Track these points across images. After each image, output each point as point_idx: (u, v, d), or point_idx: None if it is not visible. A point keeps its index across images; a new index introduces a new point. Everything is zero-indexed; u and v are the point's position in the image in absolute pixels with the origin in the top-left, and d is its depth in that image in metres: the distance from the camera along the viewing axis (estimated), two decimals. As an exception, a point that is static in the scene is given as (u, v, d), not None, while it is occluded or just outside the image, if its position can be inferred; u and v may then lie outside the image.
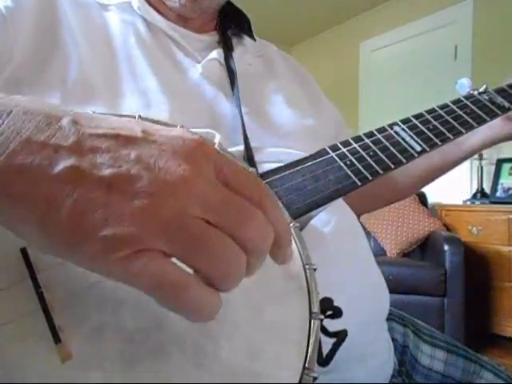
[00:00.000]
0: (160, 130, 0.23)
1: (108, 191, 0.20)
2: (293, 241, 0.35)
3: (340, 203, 0.54)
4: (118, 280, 0.22)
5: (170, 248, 0.21)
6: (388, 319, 0.57)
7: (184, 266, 0.22)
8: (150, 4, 0.58)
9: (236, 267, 0.23)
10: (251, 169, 0.41)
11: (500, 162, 2.53)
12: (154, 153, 0.22)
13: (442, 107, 0.57)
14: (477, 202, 2.53)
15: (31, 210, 0.20)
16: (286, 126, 0.58)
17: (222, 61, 0.59)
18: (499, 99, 0.60)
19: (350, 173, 0.45)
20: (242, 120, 0.53)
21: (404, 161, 0.48)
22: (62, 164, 0.21)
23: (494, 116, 0.58)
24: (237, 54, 0.62)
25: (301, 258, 0.34)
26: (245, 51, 0.64)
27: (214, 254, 0.21)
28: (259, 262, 0.24)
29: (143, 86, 0.50)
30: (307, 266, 0.33)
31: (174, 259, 0.22)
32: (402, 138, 0.50)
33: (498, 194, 2.46)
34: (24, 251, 0.31)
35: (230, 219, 0.22)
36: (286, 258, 0.27)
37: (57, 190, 0.20)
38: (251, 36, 0.67)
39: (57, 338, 0.27)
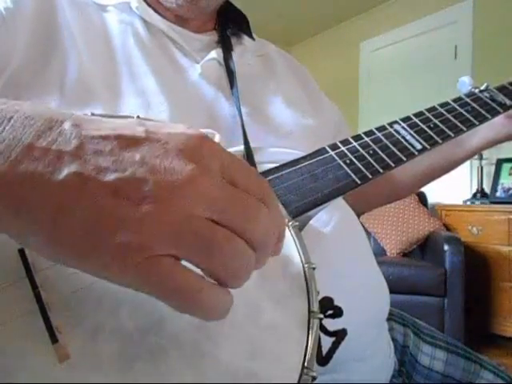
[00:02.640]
0: (162, 128, 0.23)
1: (115, 197, 0.20)
2: (292, 240, 0.35)
3: (340, 203, 0.54)
4: (130, 287, 0.22)
5: (181, 252, 0.21)
6: (388, 319, 0.57)
7: (193, 267, 0.22)
8: (149, 4, 0.58)
9: (246, 265, 0.23)
10: None
11: (500, 162, 2.53)
12: (158, 152, 0.21)
13: (443, 105, 0.56)
14: (477, 202, 2.53)
15: (38, 220, 0.20)
16: (286, 126, 0.58)
17: (222, 61, 0.59)
18: (500, 97, 0.60)
19: (349, 171, 0.45)
20: (242, 120, 0.52)
21: (404, 159, 0.48)
22: (66, 170, 0.20)
23: (495, 114, 0.58)
24: (236, 53, 0.62)
25: (300, 257, 0.34)
26: (244, 51, 0.64)
27: (224, 254, 0.22)
28: (266, 257, 0.25)
29: (142, 87, 0.50)
30: (306, 266, 0.33)
31: (184, 262, 0.22)
32: (403, 137, 0.50)
33: (497, 194, 2.46)
34: (22, 252, 0.30)
35: (237, 218, 0.22)
36: (278, 251, 0.28)
37: (62, 199, 0.20)
38: (250, 35, 0.67)
39: (54, 338, 0.27)
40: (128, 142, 0.22)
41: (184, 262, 0.22)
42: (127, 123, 0.23)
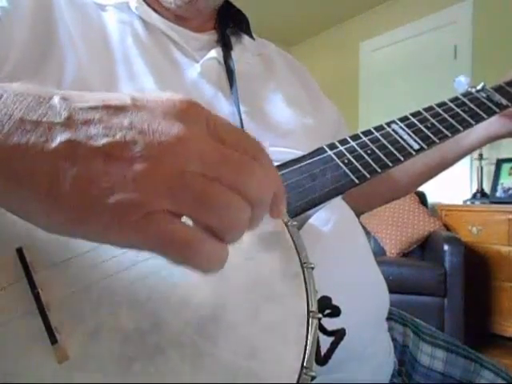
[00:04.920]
0: (148, 96, 0.24)
1: (107, 160, 0.21)
2: (291, 239, 0.35)
3: (339, 202, 0.54)
4: (131, 246, 0.22)
5: (177, 207, 0.21)
6: (388, 319, 0.57)
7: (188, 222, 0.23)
8: (148, 4, 0.58)
9: (241, 218, 0.23)
10: None
11: (500, 162, 2.52)
12: (146, 117, 0.22)
13: (440, 105, 0.56)
14: (477, 202, 2.53)
15: (34, 187, 0.21)
16: (285, 125, 0.58)
17: (221, 60, 0.59)
18: (497, 97, 0.60)
19: (347, 171, 0.45)
20: (241, 119, 0.53)
21: (402, 159, 0.48)
22: (58, 139, 0.21)
23: (491, 114, 0.58)
24: (236, 53, 0.62)
25: (299, 256, 0.34)
26: (244, 50, 0.64)
27: (219, 207, 0.22)
28: (262, 214, 0.25)
29: (141, 86, 0.50)
30: (305, 265, 0.33)
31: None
32: (400, 136, 0.50)
33: (497, 194, 2.46)
34: (20, 251, 0.31)
35: (230, 173, 0.23)
36: (280, 212, 0.28)
37: (57, 165, 0.20)
38: (250, 35, 0.67)
39: (53, 339, 0.27)
40: (116, 109, 0.22)
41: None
42: (114, 94, 0.24)
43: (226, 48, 0.61)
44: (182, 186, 0.21)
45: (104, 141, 0.21)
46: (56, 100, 0.22)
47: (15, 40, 0.46)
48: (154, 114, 0.22)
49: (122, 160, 0.21)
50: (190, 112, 0.23)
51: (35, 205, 0.21)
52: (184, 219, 0.22)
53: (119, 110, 0.22)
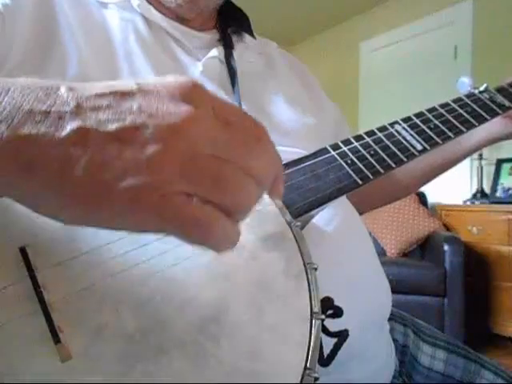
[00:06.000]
0: (153, 80, 0.24)
1: (119, 144, 0.21)
2: (293, 240, 0.35)
3: (343, 202, 0.54)
4: (148, 229, 0.22)
5: (191, 187, 0.22)
6: (388, 319, 0.57)
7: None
8: (150, 2, 0.58)
9: (252, 197, 0.24)
10: None
11: (500, 162, 2.52)
12: (153, 100, 0.22)
13: (443, 106, 0.56)
14: (477, 202, 2.53)
15: (47, 175, 0.21)
16: (287, 124, 0.58)
17: (223, 59, 0.59)
18: (500, 98, 0.60)
19: (350, 172, 0.45)
20: None
21: (405, 159, 0.48)
22: (69, 127, 0.21)
23: (494, 115, 0.58)
24: (237, 51, 0.62)
25: (301, 257, 0.34)
26: (245, 49, 0.64)
27: (231, 186, 0.23)
28: (263, 192, 0.26)
29: None
30: (308, 265, 0.33)
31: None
32: (403, 137, 0.50)
33: (497, 194, 2.46)
34: (23, 250, 0.30)
35: (238, 152, 0.23)
36: (280, 192, 0.28)
37: (69, 152, 0.21)
38: (251, 34, 0.67)
39: (56, 339, 0.27)
40: (123, 95, 0.22)
41: None
42: (119, 82, 0.24)
43: (228, 47, 0.61)
44: (196, 167, 0.22)
45: (114, 126, 0.21)
46: (63, 90, 0.22)
47: (17, 37, 0.46)
48: (161, 96, 0.22)
49: (133, 144, 0.21)
50: (195, 93, 0.23)
51: (49, 193, 0.21)
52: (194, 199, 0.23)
53: (126, 95, 0.22)
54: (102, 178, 0.21)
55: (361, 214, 0.68)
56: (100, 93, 0.22)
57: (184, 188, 0.22)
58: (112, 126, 0.21)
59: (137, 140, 0.21)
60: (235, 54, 0.61)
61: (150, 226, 0.22)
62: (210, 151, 0.22)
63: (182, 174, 0.21)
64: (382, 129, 0.51)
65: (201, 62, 0.57)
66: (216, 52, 0.58)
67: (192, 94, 0.23)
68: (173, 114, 0.22)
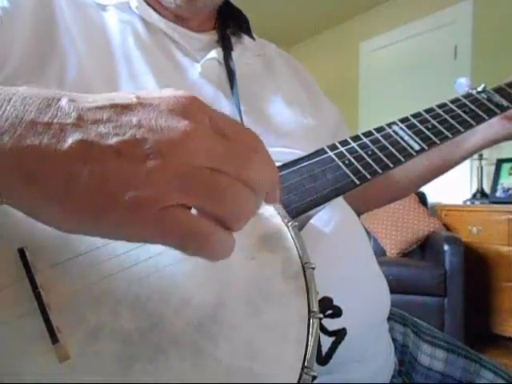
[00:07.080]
0: (152, 93, 0.25)
1: (119, 158, 0.21)
2: (291, 240, 0.35)
3: (341, 203, 0.54)
4: (146, 240, 0.23)
5: (189, 200, 0.22)
6: (388, 319, 0.57)
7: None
8: (148, 4, 0.58)
9: (248, 208, 0.25)
10: None
11: (500, 162, 2.52)
12: (152, 114, 0.23)
13: (441, 106, 0.56)
14: (477, 202, 2.53)
15: (49, 187, 0.21)
16: (286, 125, 0.58)
17: (222, 60, 0.59)
18: (497, 98, 0.60)
19: (348, 172, 0.45)
20: (242, 119, 0.53)
21: (403, 160, 0.48)
22: (70, 140, 0.21)
23: (492, 115, 0.58)
24: (236, 53, 0.62)
25: (299, 257, 0.34)
26: (244, 50, 0.64)
27: (228, 198, 0.23)
28: (261, 201, 0.27)
29: (141, 86, 0.50)
30: (306, 265, 0.33)
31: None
32: (401, 137, 0.50)
33: (497, 194, 2.46)
34: (21, 251, 0.31)
35: (236, 166, 0.24)
36: (276, 198, 0.29)
37: (70, 165, 0.21)
38: (250, 35, 0.67)
39: (54, 339, 0.27)
40: (123, 108, 0.23)
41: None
42: (119, 94, 0.25)
43: (227, 48, 0.61)
44: (194, 181, 0.22)
45: (115, 139, 0.22)
46: (64, 102, 0.23)
47: (16, 40, 0.46)
48: (160, 111, 0.23)
49: (134, 158, 0.21)
50: (192, 107, 0.24)
51: (50, 204, 0.22)
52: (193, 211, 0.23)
53: (126, 108, 0.23)
54: (103, 190, 0.21)
55: (359, 214, 0.68)
56: (101, 105, 0.23)
57: (182, 201, 0.22)
58: (112, 140, 0.22)
59: (136, 154, 0.21)
60: (234, 55, 0.61)
61: (149, 238, 0.23)
62: (208, 164, 0.23)
63: (180, 187, 0.22)
64: (380, 129, 0.51)
65: (199, 64, 0.57)
66: (215, 53, 0.58)
67: (190, 108, 0.24)
68: (171, 129, 0.22)
